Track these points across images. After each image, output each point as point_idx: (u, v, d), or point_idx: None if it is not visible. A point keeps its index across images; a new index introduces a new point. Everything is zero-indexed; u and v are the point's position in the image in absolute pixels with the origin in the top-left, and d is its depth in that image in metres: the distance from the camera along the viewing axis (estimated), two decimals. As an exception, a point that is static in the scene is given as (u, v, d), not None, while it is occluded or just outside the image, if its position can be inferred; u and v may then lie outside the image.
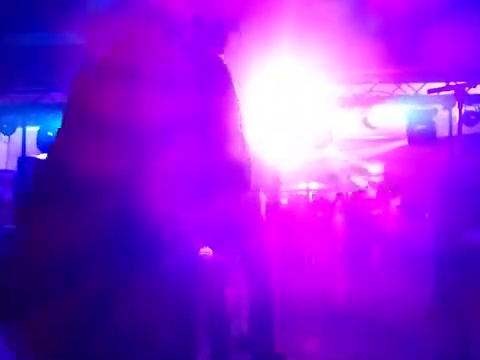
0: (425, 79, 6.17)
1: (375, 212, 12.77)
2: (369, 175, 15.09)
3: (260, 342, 4.07)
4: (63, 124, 1.16)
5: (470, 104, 6.25)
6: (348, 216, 13.23)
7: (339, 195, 14.32)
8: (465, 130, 2.97)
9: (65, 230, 1.02)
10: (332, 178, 14.30)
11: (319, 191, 12.80)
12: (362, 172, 15.08)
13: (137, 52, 1.15)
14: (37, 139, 7.14)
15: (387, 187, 13.48)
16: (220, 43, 1.31)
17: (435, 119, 6.37)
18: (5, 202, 7.26)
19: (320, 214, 13.24)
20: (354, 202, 14.28)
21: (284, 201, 11.40)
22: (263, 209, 4.19)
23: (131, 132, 1.08)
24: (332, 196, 14.14)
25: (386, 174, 13.64)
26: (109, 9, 1.23)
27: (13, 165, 7.43)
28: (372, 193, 14.16)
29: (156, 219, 1.06)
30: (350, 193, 15.31)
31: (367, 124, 6.84)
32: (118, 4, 1.23)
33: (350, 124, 7.40)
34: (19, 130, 7.57)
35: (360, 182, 15.75)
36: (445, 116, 6.12)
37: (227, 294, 4.07)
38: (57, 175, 1.08)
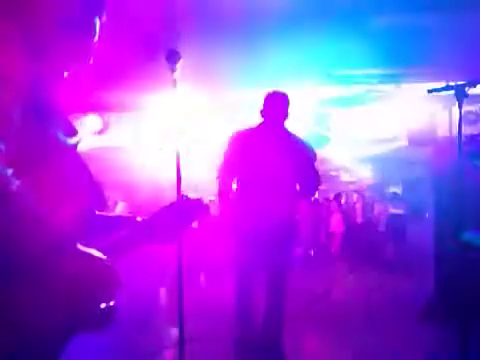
0: (425, 79, 6.17)
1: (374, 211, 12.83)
2: (369, 175, 15.13)
3: (271, 344, 4.11)
4: None
5: (470, 104, 6.25)
6: (346, 215, 13.27)
7: (338, 195, 14.39)
8: (465, 130, 2.97)
9: None
10: (332, 178, 14.31)
11: (319, 191, 12.78)
12: (362, 172, 15.11)
13: None
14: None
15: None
16: None
17: (435, 119, 6.38)
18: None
19: (320, 214, 13.29)
20: (353, 202, 14.36)
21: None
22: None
23: None
24: (331, 196, 14.19)
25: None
26: None
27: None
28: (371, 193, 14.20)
29: None
30: (349, 193, 15.38)
31: (367, 124, 6.85)
32: None
33: (350, 124, 7.41)
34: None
35: (360, 182, 15.79)
36: (445, 116, 6.13)
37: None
38: None
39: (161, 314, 6.13)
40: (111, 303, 1.19)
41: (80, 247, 1.14)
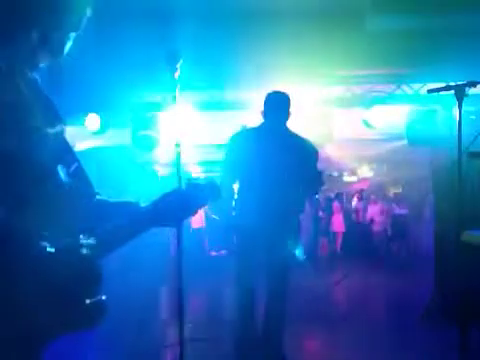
0: (425, 79, 6.17)
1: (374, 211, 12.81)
2: (369, 175, 15.12)
3: (271, 344, 4.11)
4: None
5: (470, 104, 6.23)
6: (347, 215, 13.28)
7: (338, 195, 14.40)
8: (465, 130, 2.97)
9: None
10: (332, 178, 14.30)
11: (321, 190, 12.77)
12: (363, 172, 15.10)
13: None
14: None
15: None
16: None
17: (435, 119, 6.37)
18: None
19: (321, 214, 13.30)
20: (353, 202, 14.35)
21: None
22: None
23: None
24: (332, 196, 14.20)
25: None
26: None
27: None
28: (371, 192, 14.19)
29: None
30: (349, 192, 15.38)
31: (367, 124, 6.84)
32: None
33: (350, 124, 7.39)
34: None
35: (359, 182, 15.78)
36: (445, 116, 6.13)
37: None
38: None
39: (161, 314, 6.13)
40: (98, 297, 1.16)
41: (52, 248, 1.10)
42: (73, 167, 1.35)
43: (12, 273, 1.05)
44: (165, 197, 1.40)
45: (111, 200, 1.47)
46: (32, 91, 1.27)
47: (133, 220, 1.37)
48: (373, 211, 12.72)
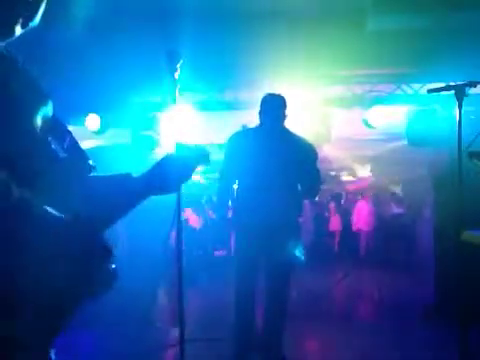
0: (425, 79, 6.17)
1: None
2: (368, 175, 15.11)
3: (271, 344, 4.11)
4: None
5: (470, 104, 6.22)
6: (346, 215, 13.27)
7: (337, 195, 14.40)
8: (465, 130, 2.97)
9: None
10: (331, 178, 14.31)
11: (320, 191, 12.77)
12: (361, 172, 15.09)
13: None
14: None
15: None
16: None
17: (435, 119, 6.37)
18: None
19: (327, 214, 13.32)
20: (352, 201, 14.35)
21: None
22: None
23: None
24: (331, 196, 14.20)
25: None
26: None
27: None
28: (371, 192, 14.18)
29: None
30: (349, 193, 15.38)
31: (367, 124, 6.84)
32: None
33: (350, 124, 7.39)
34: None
35: (359, 182, 15.78)
36: (445, 116, 6.13)
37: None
38: None
39: (161, 314, 6.13)
40: (109, 266, 1.16)
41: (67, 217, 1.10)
42: (67, 141, 1.33)
43: (35, 243, 1.03)
44: (159, 163, 1.40)
45: (106, 174, 1.44)
46: (15, 75, 1.22)
47: (131, 191, 1.36)
48: (362, 211, 12.74)
